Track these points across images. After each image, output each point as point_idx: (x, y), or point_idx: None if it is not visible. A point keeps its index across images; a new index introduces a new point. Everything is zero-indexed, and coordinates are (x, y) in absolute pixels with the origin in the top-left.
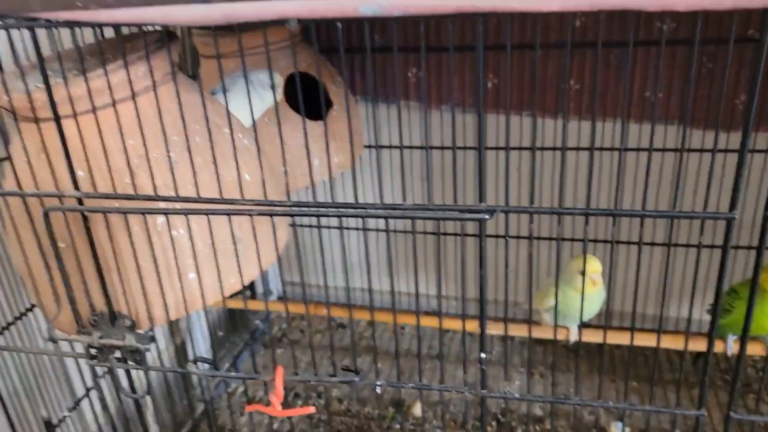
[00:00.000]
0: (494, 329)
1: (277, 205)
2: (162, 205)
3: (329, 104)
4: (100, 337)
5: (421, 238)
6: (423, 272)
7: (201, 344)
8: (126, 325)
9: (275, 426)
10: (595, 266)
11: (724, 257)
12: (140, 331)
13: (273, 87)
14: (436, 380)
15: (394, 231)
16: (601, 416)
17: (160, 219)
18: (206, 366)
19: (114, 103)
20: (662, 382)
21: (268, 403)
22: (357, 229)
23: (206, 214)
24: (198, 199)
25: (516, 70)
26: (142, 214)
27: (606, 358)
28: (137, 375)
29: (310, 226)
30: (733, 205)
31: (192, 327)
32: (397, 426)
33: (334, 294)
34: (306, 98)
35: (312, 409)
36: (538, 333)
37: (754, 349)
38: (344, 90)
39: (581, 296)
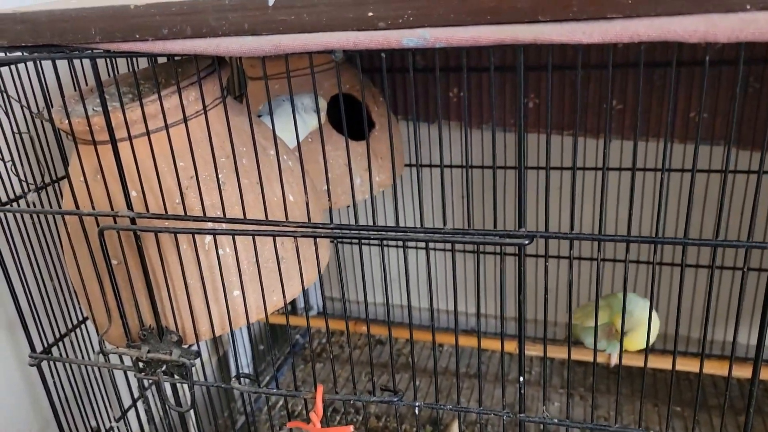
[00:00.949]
0: (533, 350)
1: (320, 228)
2: (210, 225)
3: (371, 124)
4: (148, 351)
5: (461, 256)
6: (462, 290)
7: (242, 358)
8: (173, 340)
9: None
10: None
11: None
12: (186, 346)
13: (317, 111)
14: (474, 400)
15: (434, 249)
16: None
17: (207, 238)
18: (248, 381)
19: (167, 127)
20: (707, 407)
21: (309, 421)
22: (397, 246)
23: (252, 234)
24: (244, 221)
25: (557, 90)
26: (191, 234)
27: (648, 381)
28: (182, 388)
29: (351, 242)
30: None
31: (234, 341)
32: None
33: (373, 310)
34: (348, 119)
35: (351, 429)
36: (578, 355)
37: None
38: (386, 110)
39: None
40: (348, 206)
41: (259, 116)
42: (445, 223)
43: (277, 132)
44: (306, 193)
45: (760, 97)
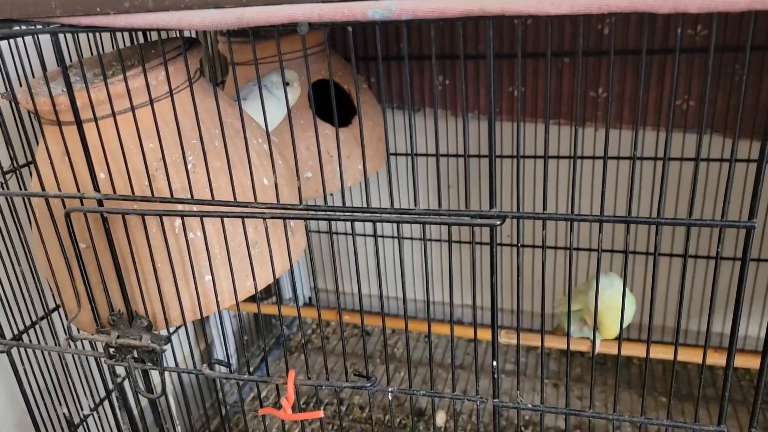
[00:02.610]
0: (512, 339)
1: (289, 209)
2: (179, 207)
3: (353, 111)
4: (118, 337)
5: (435, 248)
6: (438, 281)
7: (227, 349)
8: (143, 326)
9: None
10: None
11: (743, 268)
12: (157, 332)
13: (285, 85)
14: (458, 389)
15: (409, 238)
16: (627, 431)
17: (177, 221)
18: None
19: (132, 108)
20: (692, 398)
21: (280, 407)
22: (369, 235)
23: (220, 216)
24: (212, 202)
25: (543, 78)
26: (159, 215)
27: (634, 371)
28: (157, 376)
29: (323, 231)
30: (752, 214)
31: (218, 332)
32: None
33: (356, 301)
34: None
35: (321, 414)
36: (555, 343)
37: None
38: (369, 97)
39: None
40: (332, 194)
41: (235, 100)
42: (416, 205)
43: (254, 116)
44: (274, 171)
45: (746, 86)
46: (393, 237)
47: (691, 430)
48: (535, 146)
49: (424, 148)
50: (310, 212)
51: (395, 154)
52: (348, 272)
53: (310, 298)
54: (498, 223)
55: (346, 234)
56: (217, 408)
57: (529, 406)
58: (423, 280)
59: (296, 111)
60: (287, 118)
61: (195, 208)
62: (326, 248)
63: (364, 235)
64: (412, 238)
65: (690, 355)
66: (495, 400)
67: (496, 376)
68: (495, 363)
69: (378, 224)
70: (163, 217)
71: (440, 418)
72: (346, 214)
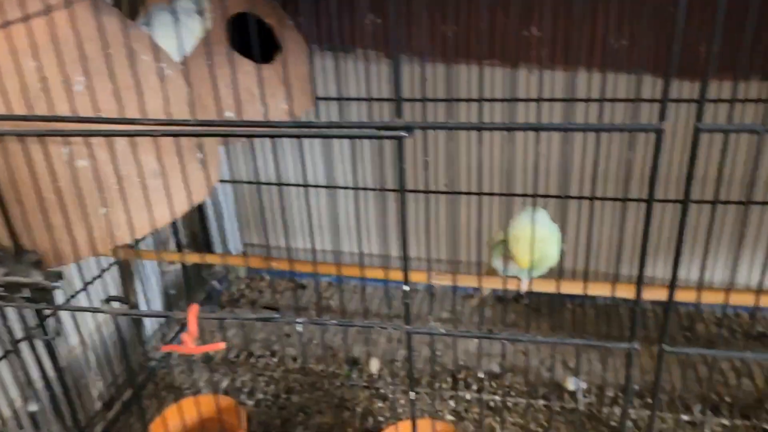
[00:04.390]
0: (440, 280)
1: (181, 124)
2: (60, 127)
3: (278, 48)
4: (5, 275)
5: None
6: (345, 230)
7: (153, 304)
8: (31, 261)
9: (224, 384)
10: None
11: (653, 175)
12: (49, 269)
13: (200, 13)
14: (381, 334)
15: (339, 187)
16: (559, 372)
17: (65, 149)
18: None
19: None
20: (623, 339)
21: (181, 343)
22: (297, 185)
23: (106, 135)
24: (96, 119)
25: (477, 16)
26: (38, 136)
27: (567, 318)
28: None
29: (247, 182)
30: (662, 116)
31: (145, 287)
32: (351, 383)
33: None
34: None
35: (223, 345)
36: (487, 284)
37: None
38: (295, 34)
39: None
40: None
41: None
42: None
43: (159, 42)
44: (188, 105)
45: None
46: (325, 187)
47: (603, 348)
48: (469, 89)
49: (356, 92)
50: (205, 128)
51: (323, 99)
52: (272, 224)
53: (244, 252)
54: (405, 135)
55: (269, 184)
56: (142, 365)
57: (443, 331)
58: (350, 231)
59: (212, 46)
60: (200, 52)
61: (78, 127)
62: (255, 203)
63: (290, 184)
64: (341, 187)
65: (615, 291)
66: (407, 327)
67: (407, 301)
68: (406, 288)
69: (311, 183)
70: (51, 145)
71: (374, 365)
72: (244, 129)
